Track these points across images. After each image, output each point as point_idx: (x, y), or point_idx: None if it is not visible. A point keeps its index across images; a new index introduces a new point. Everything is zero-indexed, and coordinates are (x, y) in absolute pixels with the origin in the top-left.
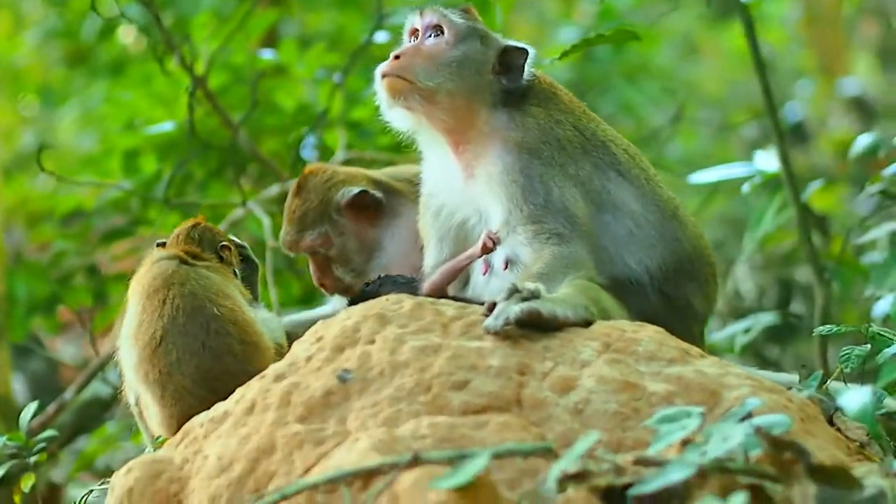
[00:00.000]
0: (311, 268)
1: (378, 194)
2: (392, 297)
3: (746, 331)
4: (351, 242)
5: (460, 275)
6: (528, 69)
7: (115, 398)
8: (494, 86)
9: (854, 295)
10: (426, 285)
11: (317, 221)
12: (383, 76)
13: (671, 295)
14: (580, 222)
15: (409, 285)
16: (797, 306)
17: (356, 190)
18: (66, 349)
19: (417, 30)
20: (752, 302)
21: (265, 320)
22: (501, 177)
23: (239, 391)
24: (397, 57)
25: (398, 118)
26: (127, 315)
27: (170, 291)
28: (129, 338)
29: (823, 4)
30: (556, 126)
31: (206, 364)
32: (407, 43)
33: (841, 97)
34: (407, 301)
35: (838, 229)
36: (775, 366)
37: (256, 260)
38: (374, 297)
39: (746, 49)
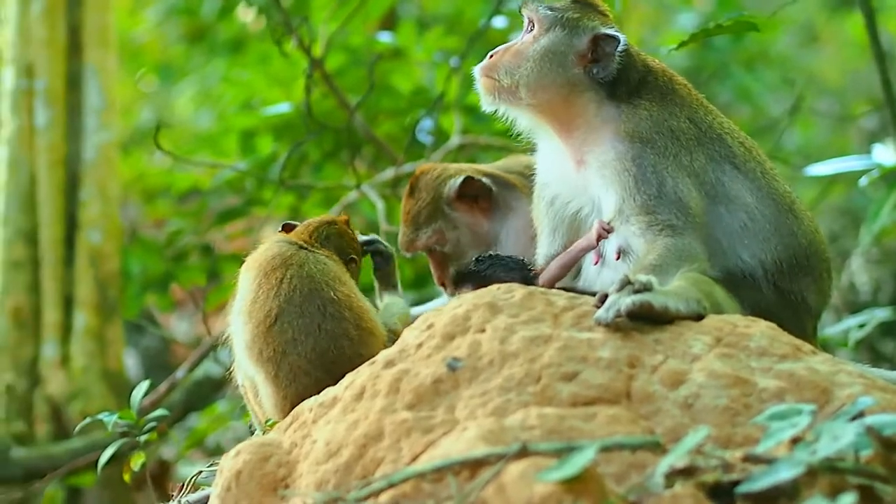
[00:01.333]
0: (432, 267)
1: (486, 180)
2: (503, 286)
3: (861, 326)
4: (465, 236)
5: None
6: (619, 58)
7: (227, 378)
8: (589, 76)
9: None
10: (541, 278)
11: (430, 218)
12: (477, 72)
13: (785, 289)
14: (694, 214)
15: (517, 267)
16: None
17: (461, 178)
18: (178, 326)
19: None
20: (867, 296)
21: (390, 304)
22: (614, 164)
23: (349, 377)
24: (492, 56)
25: (501, 112)
26: (240, 292)
27: (287, 271)
28: (243, 314)
29: None
30: (669, 117)
31: (323, 345)
32: (522, 35)
33: None
34: (518, 290)
35: None
36: (890, 361)
37: (390, 249)
38: (481, 277)
39: (867, 38)
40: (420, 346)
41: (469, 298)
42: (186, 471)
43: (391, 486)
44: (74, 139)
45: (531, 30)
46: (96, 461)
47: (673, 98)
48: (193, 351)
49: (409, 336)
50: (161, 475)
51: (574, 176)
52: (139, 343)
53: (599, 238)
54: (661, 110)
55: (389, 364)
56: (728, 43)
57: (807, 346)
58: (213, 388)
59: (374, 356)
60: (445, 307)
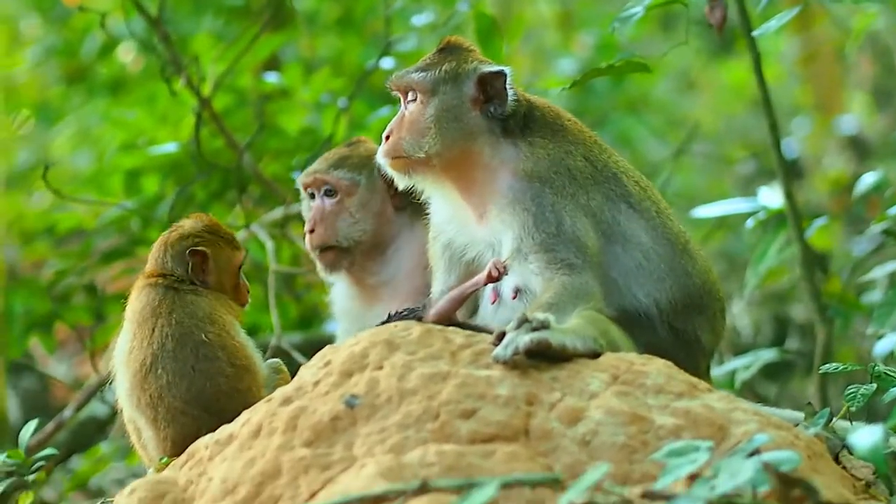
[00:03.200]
0: (310, 213)
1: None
2: (401, 323)
3: (747, 367)
4: (372, 208)
5: (467, 302)
6: (511, 91)
7: (112, 418)
8: (482, 119)
9: (849, 334)
10: (431, 313)
11: (355, 167)
12: (382, 160)
13: (679, 329)
14: (591, 253)
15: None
16: (792, 343)
17: None
18: (57, 368)
19: (396, 93)
20: (748, 338)
21: None
22: (513, 205)
23: (245, 414)
24: (388, 137)
25: (417, 187)
26: (119, 341)
27: (158, 320)
28: (122, 364)
29: (821, 42)
30: (566, 156)
31: (198, 385)
32: (401, 108)
33: (836, 135)
34: (416, 328)
35: (835, 268)
36: (772, 403)
37: None
38: None
39: (743, 84)
40: (317, 383)
41: (366, 336)
42: None
43: None
44: None
45: (413, 99)
46: None
47: (565, 135)
48: (77, 391)
49: (306, 373)
50: None
51: (475, 227)
52: (18, 385)
53: (491, 278)
54: (557, 148)
55: (287, 401)
56: (609, 87)
57: (703, 384)
58: (98, 429)
59: (252, 390)
60: (343, 344)
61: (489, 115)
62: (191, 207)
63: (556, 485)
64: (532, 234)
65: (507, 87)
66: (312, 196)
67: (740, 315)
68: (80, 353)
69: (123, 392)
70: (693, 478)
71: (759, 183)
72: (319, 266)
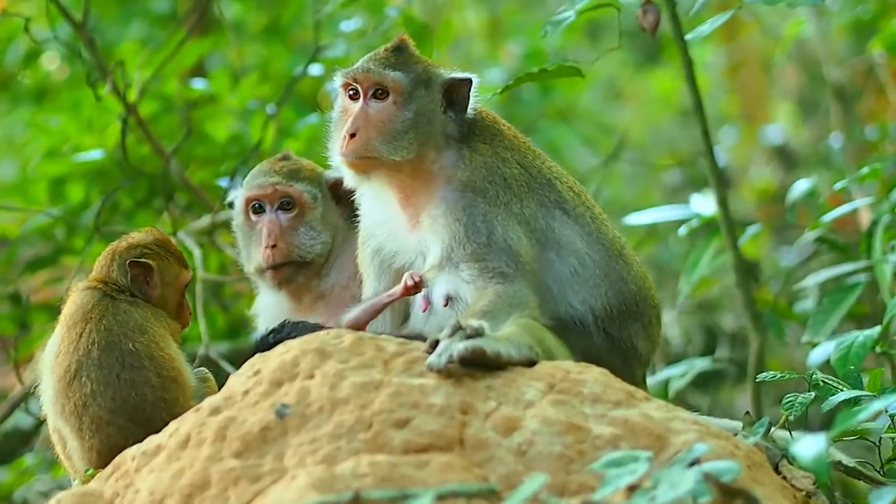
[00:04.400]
0: (268, 229)
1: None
2: (332, 331)
3: (681, 376)
4: (330, 220)
5: (400, 310)
6: (474, 99)
7: (37, 429)
8: (445, 124)
9: (778, 343)
10: (346, 320)
11: (312, 180)
12: (345, 157)
13: (615, 336)
14: (524, 261)
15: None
16: (722, 352)
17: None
18: None
19: (353, 87)
20: (679, 347)
21: None
22: (445, 216)
23: (173, 424)
24: (353, 135)
25: (359, 185)
26: (49, 344)
27: (87, 325)
28: (48, 369)
29: (748, 52)
30: (502, 164)
31: (123, 394)
32: (345, 100)
33: (763, 145)
34: (348, 335)
35: (765, 276)
36: (705, 414)
37: None
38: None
39: (670, 93)
40: (247, 392)
41: (297, 344)
42: None
43: None
44: None
45: (382, 97)
46: None
47: (502, 140)
48: (2, 402)
49: (235, 382)
50: None
51: (406, 235)
52: None
53: (407, 290)
54: (494, 155)
55: (215, 411)
56: (537, 96)
57: (640, 393)
58: (23, 441)
59: (179, 400)
60: (273, 353)
61: (447, 120)
62: (117, 215)
63: (493, 496)
64: (463, 243)
65: (472, 94)
66: (257, 209)
67: (671, 324)
68: (4, 363)
69: (48, 399)
70: (632, 489)
71: (686, 192)
72: (270, 281)
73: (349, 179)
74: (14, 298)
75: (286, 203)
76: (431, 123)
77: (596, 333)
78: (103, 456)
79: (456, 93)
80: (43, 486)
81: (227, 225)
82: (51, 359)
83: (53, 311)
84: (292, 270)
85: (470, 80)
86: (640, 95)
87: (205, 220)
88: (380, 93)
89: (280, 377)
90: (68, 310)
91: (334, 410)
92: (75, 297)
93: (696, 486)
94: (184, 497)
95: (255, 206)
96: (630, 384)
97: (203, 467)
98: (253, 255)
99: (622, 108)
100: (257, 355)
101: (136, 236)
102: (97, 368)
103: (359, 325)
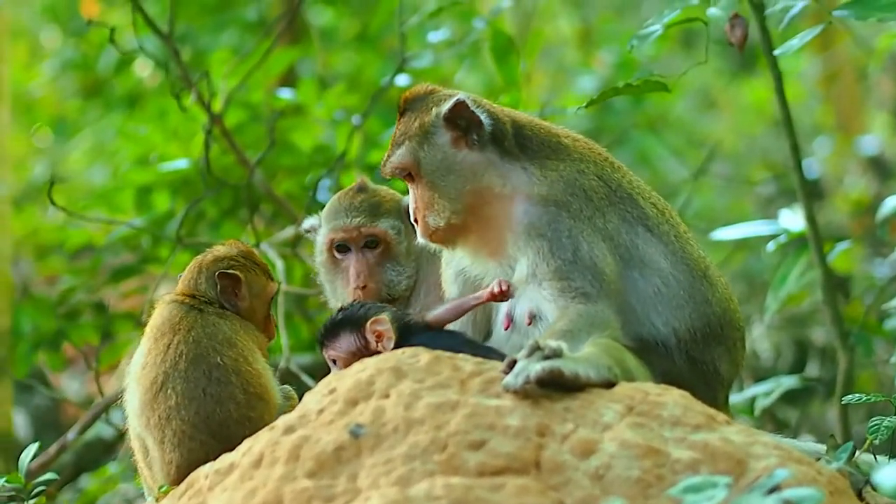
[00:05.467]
0: (356, 269)
1: (480, 113)
2: (408, 350)
3: (767, 394)
4: (413, 252)
5: (480, 327)
6: (478, 110)
7: (119, 439)
8: (479, 149)
9: (870, 360)
10: (430, 316)
11: (394, 213)
12: (428, 239)
13: (698, 359)
14: (608, 280)
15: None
16: (812, 368)
17: (453, 100)
18: (69, 385)
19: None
20: (769, 362)
21: None
22: (528, 231)
23: (246, 443)
24: (416, 220)
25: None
26: (135, 356)
27: (175, 337)
28: (134, 380)
29: (842, 62)
30: (579, 176)
31: (208, 409)
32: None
33: (858, 156)
34: (424, 354)
35: (856, 291)
36: (792, 429)
37: None
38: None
39: (764, 103)
40: (321, 411)
41: (372, 362)
42: None
43: None
44: None
45: (408, 175)
46: None
47: (570, 153)
48: (85, 411)
49: (310, 400)
50: None
51: (489, 257)
52: (29, 402)
53: (494, 296)
54: (568, 168)
55: (289, 430)
56: (628, 106)
57: (721, 416)
58: (105, 450)
59: (265, 419)
60: (348, 371)
61: (475, 144)
62: (201, 225)
63: None
64: (547, 260)
65: (473, 109)
66: (342, 249)
67: (760, 339)
68: (87, 371)
69: (133, 409)
70: None
71: (779, 203)
72: None
73: (446, 251)
74: (98, 307)
75: (371, 242)
76: (452, 170)
77: (678, 356)
78: (182, 471)
79: (461, 118)
80: (127, 495)
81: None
82: (137, 370)
83: (137, 320)
84: None
85: (461, 101)
86: (733, 105)
87: (288, 232)
88: (405, 176)
89: (355, 396)
90: (155, 322)
91: (409, 431)
92: (162, 310)
93: None
94: None
95: (340, 247)
96: (711, 407)
97: (276, 487)
98: (339, 292)
99: (715, 117)
100: (332, 373)
101: (222, 249)
102: (183, 381)
103: (441, 323)
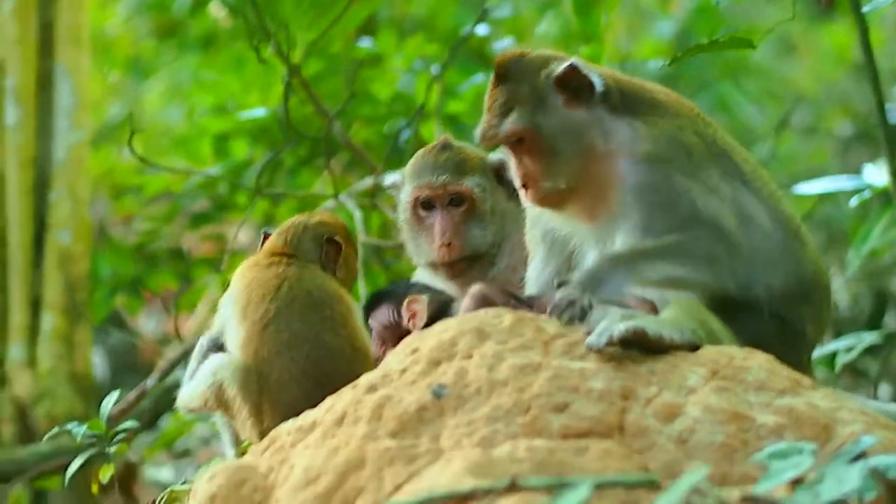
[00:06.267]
0: (441, 227)
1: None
2: (491, 310)
3: (849, 349)
4: (498, 209)
5: (551, 271)
6: (589, 71)
7: None
8: (590, 109)
9: None
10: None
11: (480, 171)
12: (538, 204)
13: (786, 318)
14: (726, 234)
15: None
16: (891, 319)
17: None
18: (146, 324)
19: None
20: (845, 311)
21: None
22: (636, 190)
23: (329, 400)
24: (526, 185)
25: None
26: (226, 304)
27: (285, 282)
28: (236, 316)
29: None
30: (679, 132)
31: (318, 353)
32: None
33: None
34: (507, 315)
35: None
36: (873, 380)
37: None
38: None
39: (845, 48)
40: (404, 371)
41: (455, 323)
42: (153, 472)
43: None
44: (45, 139)
45: (519, 141)
46: (63, 466)
47: (667, 109)
48: (162, 352)
49: (392, 360)
50: (127, 477)
51: (583, 224)
52: (106, 342)
53: None
54: (668, 124)
55: (372, 389)
56: (707, 54)
57: (806, 381)
58: None
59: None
60: (430, 331)
61: (586, 105)
62: (279, 174)
63: (652, 485)
64: (660, 219)
65: (584, 73)
66: (427, 206)
67: (839, 291)
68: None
69: (237, 345)
70: (796, 482)
71: (857, 148)
72: (444, 276)
73: (551, 213)
74: (176, 253)
75: (456, 199)
76: (568, 132)
77: (767, 315)
78: (277, 417)
79: (574, 81)
80: (203, 433)
81: (389, 187)
82: (240, 307)
83: (215, 265)
84: (466, 264)
85: (574, 66)
86: (813, 50)
87: (367, 182)
88: (515, 141)
89: (438, 356)
90: (255, 276)
91: (492, 392)
92: (258, 269)
93: (862, 483)
94: (338, 475)
95: (425, 204)
96: (796, 370)
97: (358, 446)
98: (423, 249)
99: (795, 63)
100: (414, 332)
101: (324, 215)
102: (299, 320)
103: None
